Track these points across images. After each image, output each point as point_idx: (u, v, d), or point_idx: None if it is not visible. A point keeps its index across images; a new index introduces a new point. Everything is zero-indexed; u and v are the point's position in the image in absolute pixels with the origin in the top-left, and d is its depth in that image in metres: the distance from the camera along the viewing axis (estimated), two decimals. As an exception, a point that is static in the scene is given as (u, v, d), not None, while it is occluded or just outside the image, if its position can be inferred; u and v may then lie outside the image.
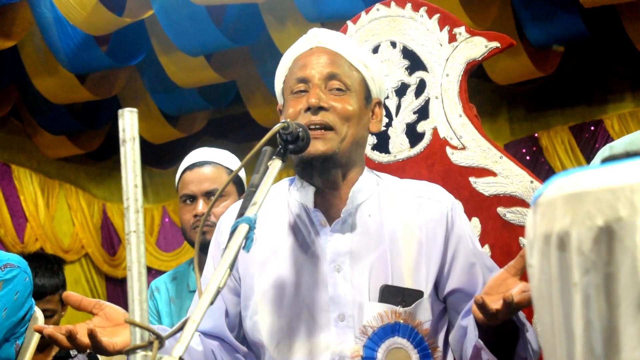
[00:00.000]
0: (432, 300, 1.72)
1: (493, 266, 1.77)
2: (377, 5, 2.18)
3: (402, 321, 1.66)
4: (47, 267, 3.27)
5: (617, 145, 1.61)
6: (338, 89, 1.73)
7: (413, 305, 1.67)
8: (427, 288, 1.71)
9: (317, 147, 1.68)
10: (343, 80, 1.74)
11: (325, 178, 1.74)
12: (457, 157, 2.03)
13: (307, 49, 1.79)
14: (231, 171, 2.57)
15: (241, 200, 1.49)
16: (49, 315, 3.14)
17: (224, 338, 1.78)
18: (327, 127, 1.69)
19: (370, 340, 1.65)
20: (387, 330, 1.66)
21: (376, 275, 1.70)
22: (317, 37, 1.80)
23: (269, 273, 1.74)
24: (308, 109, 1.70)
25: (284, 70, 1.81)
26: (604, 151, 1.64)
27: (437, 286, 1.74)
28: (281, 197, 1.82)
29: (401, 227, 1.74)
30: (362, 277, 1.69)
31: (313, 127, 1.69)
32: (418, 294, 1.69)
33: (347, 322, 1.68)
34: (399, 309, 1.67)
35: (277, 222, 1.79)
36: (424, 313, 1.69)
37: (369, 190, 1.78)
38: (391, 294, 1.68)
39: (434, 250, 1.73)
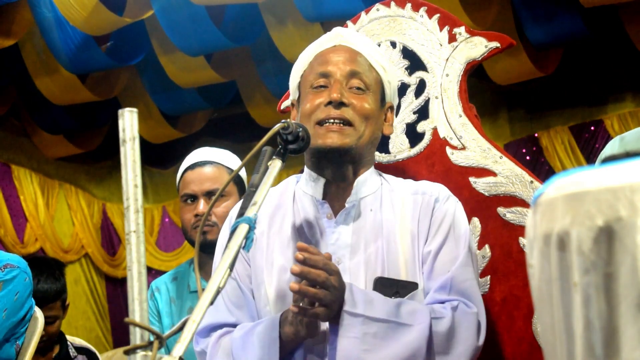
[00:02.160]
0: None
1: (456, 258, 1.73)
2: (377, 5, 2.18)
3: None
4: (49, 273, 3.17)
5: (629, 137, 1.60)
6: (358, 88, 1.77)
7: (407, 297, 1.69)
8: (422, 280, 1.73)
9: (334, 139, 1.71)
10: (363, 79, 1.78)
11: (337, 171, 1.77)
12: (457, 157, 2.03)
13: (329, 46, 1.83)
14: (232, 171, 2.57)
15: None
16: (51, 322, 3.05)
17: None
18: (346, 123, 1.73)
19: None
20: None
21: (372, 268, 1.72)
22: (341, 35, 1.83)
23: (277, 268, 1.76)
24: (329, 103, 1.73)
25: (303, 65, 1.84)
26: (614, 142, 1.63)
27: None
28: (288, 191, 1.85)
29: (398, 223, 1.77)
30: (359, 269, 1.72)
31: (332, 120, 1.72)
32: (412, 286, 1.71)
33: None
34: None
35: (284, 216, 1.81)
36: None
37: (373, 186, 1.80)
38: (384, 286, 1.69)
39: (422, 242, 1.76)
